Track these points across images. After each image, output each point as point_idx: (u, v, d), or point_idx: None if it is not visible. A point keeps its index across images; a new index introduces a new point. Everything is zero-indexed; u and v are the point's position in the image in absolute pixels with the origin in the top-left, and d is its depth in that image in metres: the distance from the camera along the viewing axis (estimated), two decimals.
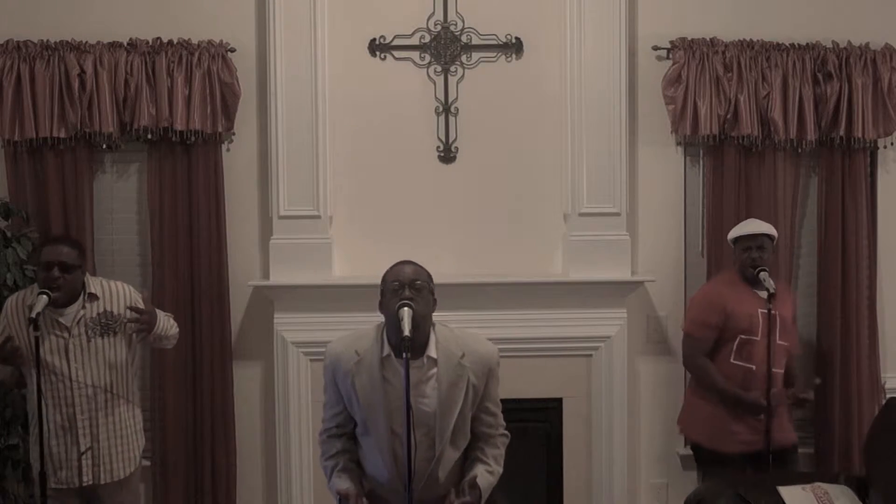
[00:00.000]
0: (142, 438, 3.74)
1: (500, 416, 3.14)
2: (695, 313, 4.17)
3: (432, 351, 2.95)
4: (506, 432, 3.16)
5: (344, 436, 3.10)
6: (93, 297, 3.53)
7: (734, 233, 4.15)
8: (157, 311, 3.63)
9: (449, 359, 2.96)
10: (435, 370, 2.96)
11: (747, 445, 4.03)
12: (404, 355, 2.74)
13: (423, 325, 2.92)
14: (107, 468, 3.56)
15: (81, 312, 3.51)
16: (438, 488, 3.02)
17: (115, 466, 3.58)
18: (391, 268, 3.00)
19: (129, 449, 3.63)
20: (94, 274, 4.38)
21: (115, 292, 3.59)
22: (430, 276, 3.00)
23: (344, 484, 2.98)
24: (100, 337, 3.51)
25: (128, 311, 3.51)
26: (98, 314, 3.52)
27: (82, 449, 3.51)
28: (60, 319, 3.49)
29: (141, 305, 3.61)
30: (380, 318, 3.02)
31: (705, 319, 4.09)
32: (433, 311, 3.00)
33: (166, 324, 3.66)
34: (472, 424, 3.07)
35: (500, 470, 3.09)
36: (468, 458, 3.10)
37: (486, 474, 3.02)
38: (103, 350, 3.52)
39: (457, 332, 3.06)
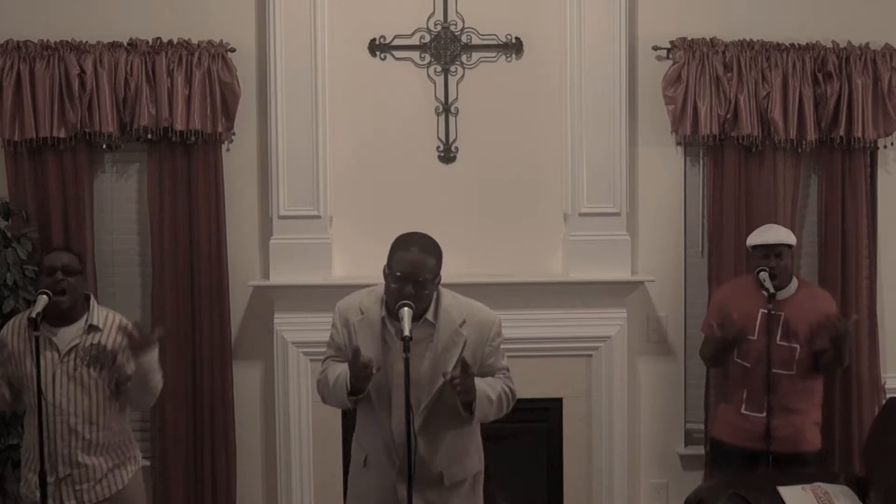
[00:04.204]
0: (137, 454, 3.64)
1: (507, 378, 3.14)
2: (707, 313, 4.29)
3: (430, 315, 3.02)
4: (512, 387, 3.12)
5: None
6: (94, 328, 3.47)
7: (753, 240, 4.10)
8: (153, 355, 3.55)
9: (448, 324, 3.02)
10: (431, 333, 3.01)
11: (756, 441, 3.99)
12: (404, 355, 2.79)
13: (425, 299, 2.98)
14: (90, 493, 3.47)
15: (77, 341, 3.44)
16: (426, 462, 3.01)
17: (102, 486, 3.49)
18: (398, 249, 2.98)
19: (115, 471, 3.52)
20: (93, 275, 4.40)
21: (113, 325, 3.50)
22: (436, 260, 2.98)
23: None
24: (86, 367, 3.43)
25: (121, 337, 3.42)
26: (91, 345, 3.45)
27: (61, 475, 3.43)
28: (54, 339, 3.43)
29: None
30: None
31: (710, 320, 4.14)
32: (437, 287, 3.04)
33: (155, 365, 3.48)
34: None
35: (500, 392, 3.06)
36: None
37: (481, 381, 3.01)
38: (86, 379, 3.43)
39: (461, 298, 3.11)
